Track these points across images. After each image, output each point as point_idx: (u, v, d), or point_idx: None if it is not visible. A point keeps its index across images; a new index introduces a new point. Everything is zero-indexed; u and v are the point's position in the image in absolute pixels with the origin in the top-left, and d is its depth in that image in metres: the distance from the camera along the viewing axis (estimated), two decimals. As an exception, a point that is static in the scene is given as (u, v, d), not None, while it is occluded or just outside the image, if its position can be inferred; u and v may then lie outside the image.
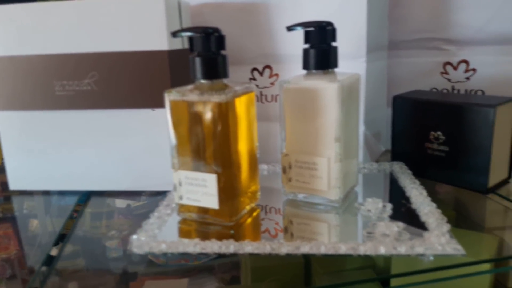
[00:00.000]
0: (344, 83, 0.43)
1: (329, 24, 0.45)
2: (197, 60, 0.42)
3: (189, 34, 0.42)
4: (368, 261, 0.46)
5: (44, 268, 0.42)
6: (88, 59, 0.52)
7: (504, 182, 0.52)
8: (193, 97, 0.41)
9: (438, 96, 0.56)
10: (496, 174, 0.50)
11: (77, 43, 0.52)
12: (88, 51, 0.51)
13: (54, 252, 0.45)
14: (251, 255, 0.38)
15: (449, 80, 0.62)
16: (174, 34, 0.43)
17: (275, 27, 0.58)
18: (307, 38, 0.45)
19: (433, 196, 0.45)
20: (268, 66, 0.60)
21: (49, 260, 0.44)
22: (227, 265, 0.50)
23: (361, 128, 0.57)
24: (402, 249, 0.36)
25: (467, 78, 0.61)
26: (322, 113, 0.44)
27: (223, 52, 0.43)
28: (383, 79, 0.64)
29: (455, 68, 0.62)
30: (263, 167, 0.59)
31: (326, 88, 0.44)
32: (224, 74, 0.43)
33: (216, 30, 0.42)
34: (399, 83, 0.64)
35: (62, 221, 0.52)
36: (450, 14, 0.60)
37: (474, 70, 0.61)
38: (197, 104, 0.41)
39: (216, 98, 0.40)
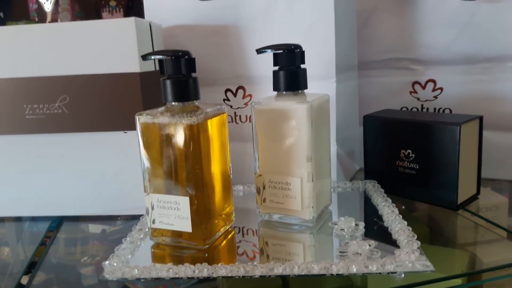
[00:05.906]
0: (313, 104, 0.44)
1: (298, 47, 0.46)
2: (168, 83, 0.42)
3: (159, 57, 0.42)
4: (346, 281, 0.46)
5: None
6: (59, 82, 0.51)
7: (473, 198, 0.53)
8: (164, 119, 0.41)
9: (407, 115, 0.58)
10: (465, 190, 0.51)
11: (48, 66, 0.51)
12: (58, 74, 0.51)
13: (24, 281, 0.44)
14: (225, 278, 0.38)
15: (418, 99, 0.64)
16: (144, 57, 0.43)
17: (246, 49, 0.58)
18: (276, 60, 0.46)
19: (408, 213, 0.45)
20: (241, 87, 0.60)
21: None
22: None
23: (334, 147, 0.57)
24: (374, 268, 0.36)
25: (435, 97, 0.63)
26: (293, 133, 0.45)
27: (193, 74, 0.43)
28: (354, 98, 0.65)
29: (423, 87, 0.63)
30: (239, 188, 0.59)
31: (296, 109, 0.44)
32: (195, 96, 0.43)
33: (186, 53, 0.42)
34: (369, 103, 0.65)
35: (34, 248, 0.50)
36: (416, 34, 0.62)
37: (441, 89, 0.62)
38: (168, 127, 0.41)
39: (187, 120, 0.40)
